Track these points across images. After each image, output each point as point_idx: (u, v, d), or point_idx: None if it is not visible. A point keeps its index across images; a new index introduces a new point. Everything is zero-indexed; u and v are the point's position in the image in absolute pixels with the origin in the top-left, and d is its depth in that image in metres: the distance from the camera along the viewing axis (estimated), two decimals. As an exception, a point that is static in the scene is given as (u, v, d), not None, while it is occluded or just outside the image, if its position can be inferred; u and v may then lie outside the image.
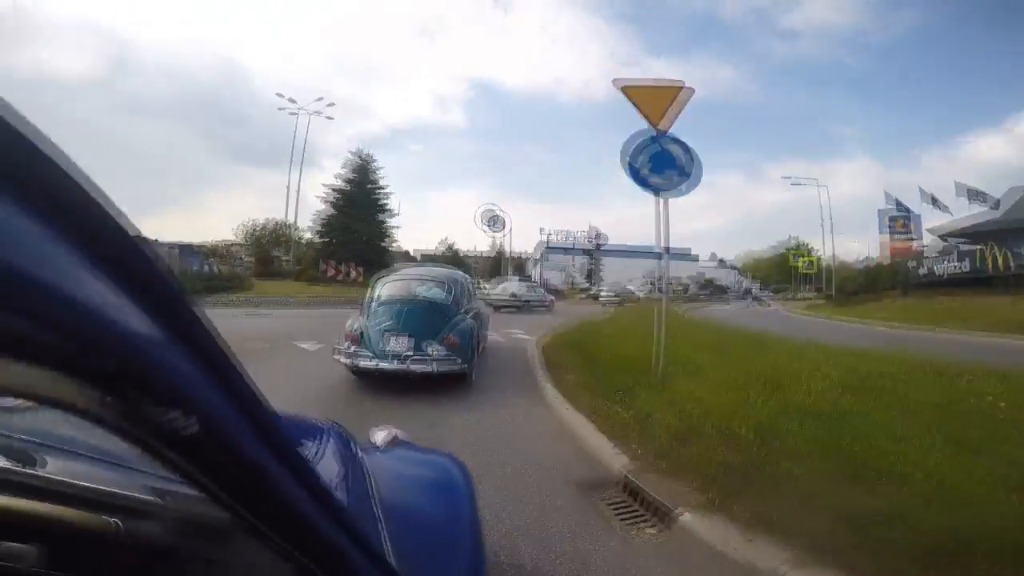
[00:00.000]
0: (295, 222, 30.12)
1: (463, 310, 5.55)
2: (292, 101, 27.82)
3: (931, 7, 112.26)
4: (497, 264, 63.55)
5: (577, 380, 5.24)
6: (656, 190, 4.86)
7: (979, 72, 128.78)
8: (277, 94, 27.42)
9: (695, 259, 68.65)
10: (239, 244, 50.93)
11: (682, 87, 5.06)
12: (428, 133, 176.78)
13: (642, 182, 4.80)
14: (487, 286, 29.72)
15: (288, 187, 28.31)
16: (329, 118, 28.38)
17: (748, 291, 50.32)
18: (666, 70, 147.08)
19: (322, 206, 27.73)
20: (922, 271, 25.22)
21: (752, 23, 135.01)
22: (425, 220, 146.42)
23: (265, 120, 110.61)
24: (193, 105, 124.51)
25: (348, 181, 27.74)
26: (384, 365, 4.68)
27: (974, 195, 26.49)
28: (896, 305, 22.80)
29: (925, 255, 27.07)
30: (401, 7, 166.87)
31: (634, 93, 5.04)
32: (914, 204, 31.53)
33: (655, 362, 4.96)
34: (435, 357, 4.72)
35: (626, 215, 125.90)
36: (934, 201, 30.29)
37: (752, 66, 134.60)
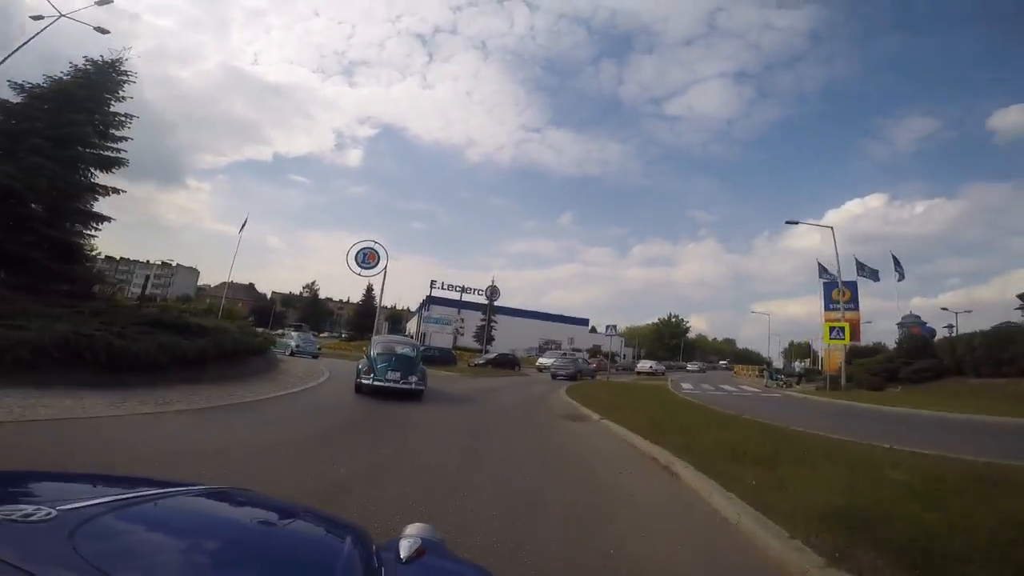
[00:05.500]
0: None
1: (420, 360, 11.57)
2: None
3: (787, 106, 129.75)
4: (366, 313, 50.40)
5: None
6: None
7: (808, 167, 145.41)
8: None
9: (584, 324, 68.08)
10: None
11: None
12: (319, 168, 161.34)
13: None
14: (542, 360, 35.34)
15: None
16: (104, 31, 13.20)
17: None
18: (564, 140, 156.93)
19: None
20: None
21: (645, 102, 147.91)
22: (302, 260, 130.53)
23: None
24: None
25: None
26: (387, 384, 10.11)
27: (861, 269, 29.94)
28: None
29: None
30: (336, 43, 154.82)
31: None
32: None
33: None
34: (411, 382, 10.38)
35: (511, 284, 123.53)
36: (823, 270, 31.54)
37: (637, 145, 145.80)
